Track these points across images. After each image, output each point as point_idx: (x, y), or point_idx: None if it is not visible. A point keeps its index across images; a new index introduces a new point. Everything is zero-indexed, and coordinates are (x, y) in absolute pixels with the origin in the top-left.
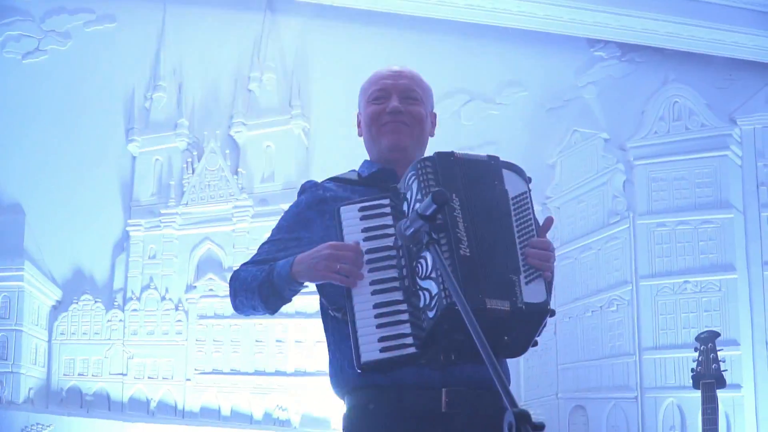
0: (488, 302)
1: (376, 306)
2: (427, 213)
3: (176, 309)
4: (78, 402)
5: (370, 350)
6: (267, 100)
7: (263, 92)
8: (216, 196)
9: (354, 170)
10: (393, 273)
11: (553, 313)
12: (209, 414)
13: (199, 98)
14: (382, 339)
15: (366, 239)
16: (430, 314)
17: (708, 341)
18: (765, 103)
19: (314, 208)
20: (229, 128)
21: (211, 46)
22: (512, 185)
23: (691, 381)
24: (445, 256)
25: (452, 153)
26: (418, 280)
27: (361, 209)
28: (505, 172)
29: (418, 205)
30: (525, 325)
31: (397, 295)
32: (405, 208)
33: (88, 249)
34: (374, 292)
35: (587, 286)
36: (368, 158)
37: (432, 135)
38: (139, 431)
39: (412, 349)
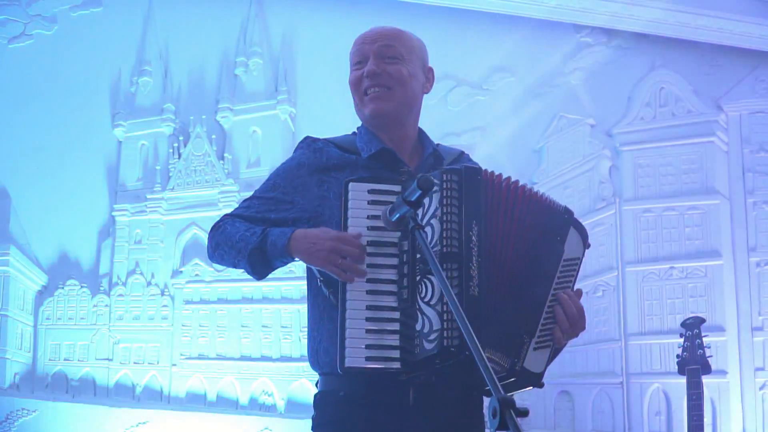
0: (487, 351)
1: (369, 308)
2: (413, 198)
3: (162, 294)
4: (64, 387)
5: (355, 355)
6: (253, 85)
7: (249, 77)
8: (202, 181)
9: (354, 134)
10: (392, 274)
11: (541, 386)
12: (195, 399)
13: (185, 83)
14: (369, 346)
15: (370, 228)
16: (428, 346)
17: (693, 327)
18: (751, 89)
19: (314, 176)
20: (215, 113)
21: (197, 31)
22: (571, 247)
23: (676, 367)
24: (454, 291)
25: (479, 170)
26: (420, 301)
27: (371, 191)
28: (572, 231)
29: (434, 220)
30: (511, 384)
31: (392, 301)
32: (419, 212)
33: (73, 234)
34: (369, 292)
35: None
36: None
37: (427, 91)
38: (124, 416)
39: (396, 365)
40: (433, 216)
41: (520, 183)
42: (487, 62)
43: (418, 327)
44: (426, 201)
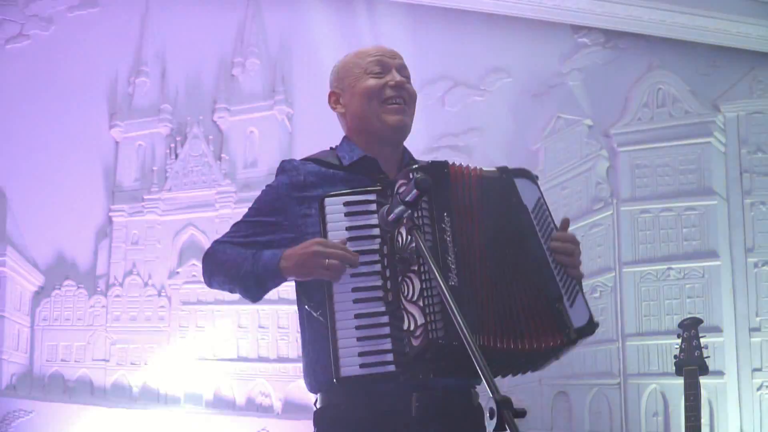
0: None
1: (357, 316)
2: (410, 199)
3: (159, 295)
4: (60, 388)
5: (349, 364)
6: (250, 85)
7: (247, 78)
8: (199, 182)
9: (332, 148)
10: (376, 281)
11: (598, 325)
12: (192, 400)
13: (182, 83)
14: (362, 354)
15: (350, 239)
16: (415, 342)
17: (691, 328)
18: (749, 89)
19: (293, 194)
20: (212, 114)
21: (194, 32)
22: (527, 195)
23: (673, 368)
24: (432, 285)
25: (446, 164)
26: (403, 300)
27: (347, 203)
28: (517, 182)
29: (403, 191)
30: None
31: (380, 307)
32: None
33: (70, 234)
34: (356, 300)
35: None
36: (345, 134)
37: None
38: (121, 417)
39: (391, 367)
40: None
41: (472, 167)
42: (484, 63)
43: (404, 326)
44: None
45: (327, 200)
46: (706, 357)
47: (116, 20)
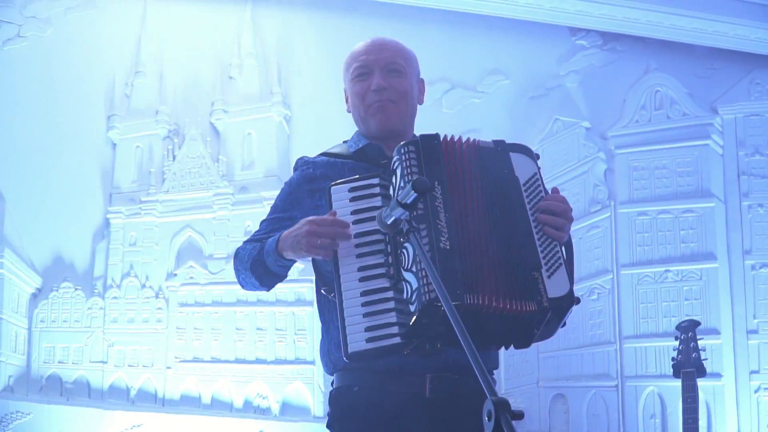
0: (468, 297)
1: (363, 293)
2: (408, 201)
3: (156, 297)
4: (58, 390)
5: (356, 340)
6: (248, 87)
7: (244, 79)
8: (197, 184)
9: (346, 141)
10: (380, 258)
11: (578, 301)
12: (189, 402)
13: (180, 85)
14: (368, 328)
15: (355, 222)
16: (411, 308)
17: (688, 330)
18: (746, 92)
19: (304, 187)
20: (210, 115)
21: (192, 33)
22: (522, 169)
23: (671, 370)
24: (426, 249)
25: (436, 136)
26: (402, 271)
27: (351, 189)
28: (513, 155)
29: (400, 192)
30: (552, 320)
31: (384, 282)
32: (391, 192)
33: (68, 236)
34: (362, 279)
35: None
36: (358, 131)
37: (421, 102)
38: (119, 419)
39: (397, 339)
40: (399, 188)
41: (465, 138)
42: (481, 65)
43: (404, 296)
44: (393, 179)
45: (333, 188)
46: (704, 359)
47: (114, 22)
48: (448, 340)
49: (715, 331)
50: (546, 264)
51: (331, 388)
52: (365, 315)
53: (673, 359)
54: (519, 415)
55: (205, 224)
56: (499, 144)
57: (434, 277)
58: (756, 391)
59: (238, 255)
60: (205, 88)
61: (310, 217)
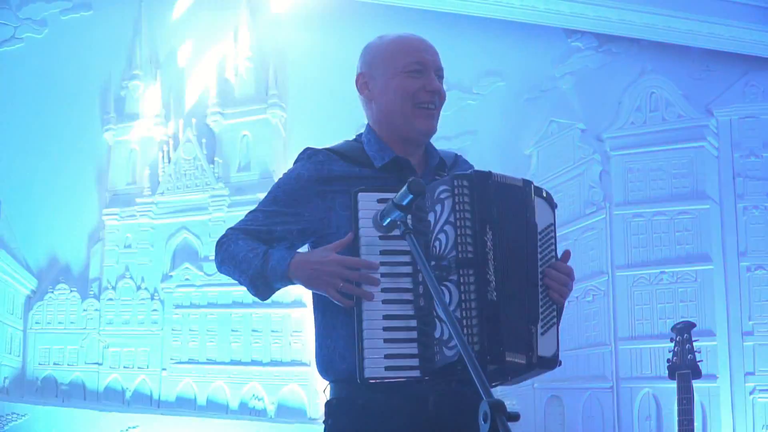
0: (507, 355)
1: (386, 317)
2: (404, 203)
3: (152, 298)
4: (53, 391)
5: (375, 365)
6: (244, 89)
7: (240, 81)
8: (192, 185)
9: (356, 141)
10: (407, 283)
11: (560, 363)
12: (185, 403)
13: (175, 87)
14: (388, 356)
15: (382, 237)
16: (448, 353)
17: (684, 332)
18: (741, 94)
19: (315, 187)
20: (205, 117)
21: (187, 35)
22: (541, 216)
23: (666, 371)
24: (472, 297)
25: (490, 174)
26: (437, 307)
27: (381, 200)
28: (536, 200)
29: (448, 226)
30: (531, 375)
31: (409, 309)
32: (431, 218)
33: (63, 238)
34: (385, 302)
35: None
36: (369, 123)
37: None
38: (114, 420)
39: (416, 373)
40: (447, 222)
41: (500, 175)
42: (477, 66)
43: (437, 334)
44: (438, 208)
45: (360, 195)
46: (699, 361)
47: (110, 24)
48: (466, 380)
49: (710, 333)
50: (542, 320)
51: (329, 397)
52: (386, 341)
53: (668, 361)
54: (515, 417)
55: (200, 226)
56: (527, 185)
57: (456, 333)
58: (751, 393)
59: (228, 248)
60: (200, 90)
61: (338, 256)
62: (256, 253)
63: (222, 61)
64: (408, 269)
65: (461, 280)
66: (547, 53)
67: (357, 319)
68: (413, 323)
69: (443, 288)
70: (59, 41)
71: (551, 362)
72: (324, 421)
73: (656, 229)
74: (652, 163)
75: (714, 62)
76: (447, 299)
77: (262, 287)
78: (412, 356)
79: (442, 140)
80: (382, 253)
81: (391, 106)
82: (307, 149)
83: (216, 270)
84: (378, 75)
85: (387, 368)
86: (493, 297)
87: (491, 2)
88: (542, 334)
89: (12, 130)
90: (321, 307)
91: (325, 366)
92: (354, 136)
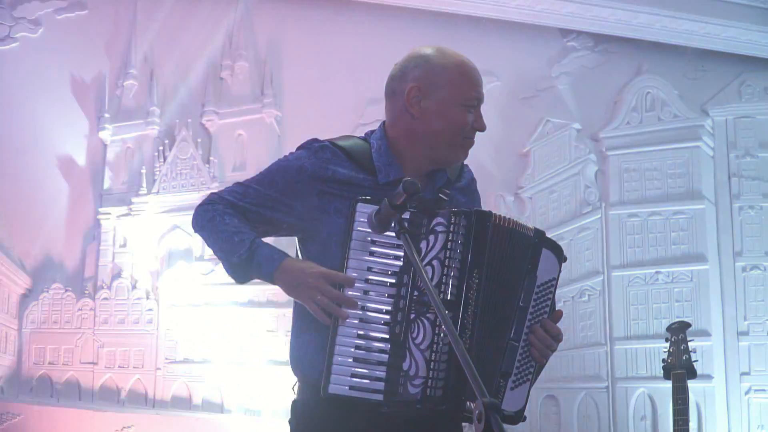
0: (467, 404)
1: (360, 336)
2: (397, 202)
3: (147, 298)
4: (48, 391)
5: (339, 382)
6: (239, 88)
7: (235, 80)
8: (187, 185)
9: (365, 141)
10: (388, 305)
11: (524, 419)
12: (180, 403)
13: (170, 86)
14: (354, 375)
15: (372, 254)
16: (411, 390)
17: (679, 332)
18: (737, 94)
19: (315, 185)
20: (200, 116)
21: (182, 34)
22: (544, 269)
23: (662, 371)
24: (444, 340)
25: (491, 215)
26: (411, 341)
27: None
28: (543, 252)
29: (436, 261)
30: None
31: (384, 332)
32: (423, 247)
33: (58, 237)
34: (362, 320)
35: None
36: (387, 128)
37: None
38: (109, 420)
39: (379, 397)
40: (436, 258)
41: (510, 221)
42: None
43: (405, 366)
44: (431, 239)
45: (359, 205)
46: (695, 361)
47: (104, 23)
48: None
49: (705, 333)
50: (515, 375)
51: (296, 396)
52: (356, 360)
53: (663, 361)
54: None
55: None
56: (537, 236)
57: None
58: (746, 393)
59: (213, 218)
60: (195, 89)
61: (323, 270)
62: (241, 239)
63: (217, 61)
64: (392, 291)
65: (437, 321)
66: (543, 53)
67: (331, 333)
68: (386, 346)
69: (420, 322)
70: (54, 41)
71: (513, 419)
72: (289, 421)
73: (651, 229)
74: (647, 163)
75: (709, 62)
76: (420, 336)
77: (241, 275)
78: (378, 380)
79: None
80: (369, 269)
81: (440, 132)
82: (315, 141)
83: (211, 270)
84: (436, 96)
85: (351, 387)
86: (467, 344)
87: (486, 2)
88: (512, 389)
89: (6, 129)
90: (299, 307)
91: (295, 364)
92: (364, 133)
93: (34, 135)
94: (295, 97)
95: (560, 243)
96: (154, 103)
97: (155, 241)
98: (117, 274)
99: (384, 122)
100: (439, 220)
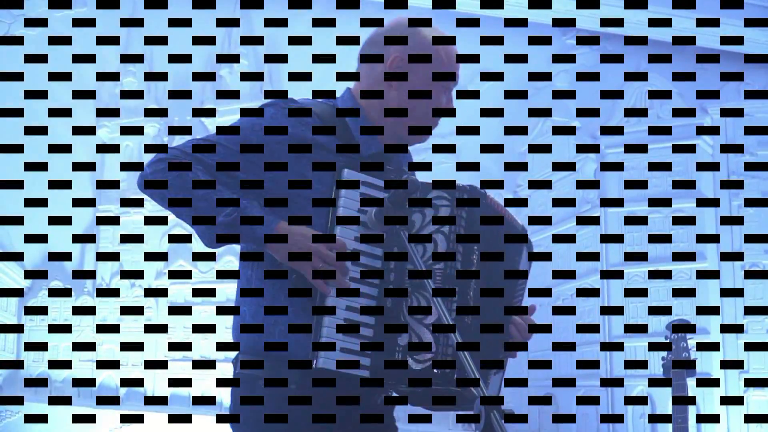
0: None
1: (348, 308)
2: (397, 202)
3: (146, 295)
4: (47, 389)
5: (329, 357)
6: (238, 86)
7: (234, 79)
8: None
9: (332, 104)
10: (377, 278)
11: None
12: (179, 401)
13: (169, 84)
14: (343, 350)
15: (359, 223)
16: (414, 366)
17: (678, 330)
18: (736, 92)
19: (293, 149)
20: (200, 113)
21: (181, 32)
22: (525, 261)
23: (661, 369)
24: (451, 316)
25: (483, 194)
26: (408, 315)
27: (365, 183)
28: (525, 248)
29: (440, 236)
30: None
31: (372, 303)
32: (417, 219)
33: (57, 234)
34: (349, 292)
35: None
36: (359, 90)
37: None
38: (108, 418)
39: (366, 373)
40: (439, 231)
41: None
42: (472, 65)
43: (400, 341)
44: (428, 212)
45: (347, 171)
46: (694, 359)
47: (104, 20)
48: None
49: (704, 331)
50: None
51: (241, 370)
52: (341, 330)
53: (662, 358)
54: (509, 415)
55: None
56: (523, 232)
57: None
58: (745, 391)
59: (179, 173)
60: (195, 87)
61: (320, 235)
62: (221, 202)
63: (216, 58)
64: (378, 264)
65: (443, 302)
66: (543, 51)
67: (318, 306)
68: (372, 320)
69: (416, 296)
70: (53, 37)
71: (495, 400)
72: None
73: (651, 227)
74: (647, 162)
75: (709, 60)
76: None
77: (220, 238)
78: (365, 355)
79: (437, 138)
80: (357, 239)
81: (416, 106)
82: (291, 101)
83: (208, 270)
84: (419, 69)
85: (339, 362)
86: (469, 321)
87: (487, 0)
88: (495, 373)
89: (5, 127)
90: (250, 269)
91: (238, 330)
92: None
93: (34, 132)
94: (294, 94)
95: (560, 242)
96: (154, 101)
97: (154, 238)
98: (116, 272)
99: (349, 89)
100: (441, 193)
